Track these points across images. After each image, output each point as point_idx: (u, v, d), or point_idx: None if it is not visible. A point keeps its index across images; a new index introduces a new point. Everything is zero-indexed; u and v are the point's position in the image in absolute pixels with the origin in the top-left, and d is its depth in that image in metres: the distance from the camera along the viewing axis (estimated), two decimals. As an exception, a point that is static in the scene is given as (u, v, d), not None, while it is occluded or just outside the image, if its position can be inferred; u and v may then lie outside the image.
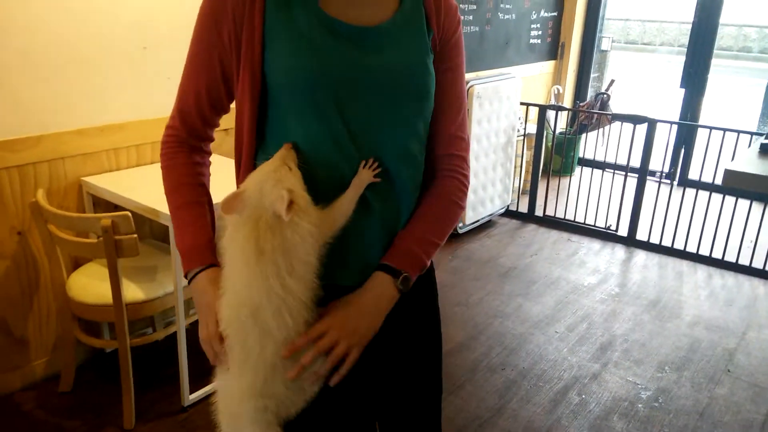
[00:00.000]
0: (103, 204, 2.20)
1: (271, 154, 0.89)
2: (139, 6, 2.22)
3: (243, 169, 0.99)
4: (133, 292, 1.98)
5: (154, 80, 2.34)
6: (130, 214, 1.81)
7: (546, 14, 4.53)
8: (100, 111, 2.21)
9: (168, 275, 2.09)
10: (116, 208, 2.06)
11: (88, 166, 2.22)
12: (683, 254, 3.47)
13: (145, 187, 2.13)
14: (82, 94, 2.15)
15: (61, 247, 1.99)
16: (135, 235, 1.83)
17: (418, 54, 0.94)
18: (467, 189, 1.03)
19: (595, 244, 3.63)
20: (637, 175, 3.57)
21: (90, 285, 2.03)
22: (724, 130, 3.30)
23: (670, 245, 3.51)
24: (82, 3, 2.06)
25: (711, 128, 3.39)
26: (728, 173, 1.81)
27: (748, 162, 1.91)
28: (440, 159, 1.01)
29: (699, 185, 3.74)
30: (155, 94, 2.35)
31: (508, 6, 4.09)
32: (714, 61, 4.46)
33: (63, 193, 2.16)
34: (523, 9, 4.26)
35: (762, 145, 2.00)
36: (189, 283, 0.96)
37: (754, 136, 3.31)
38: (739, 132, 3.27)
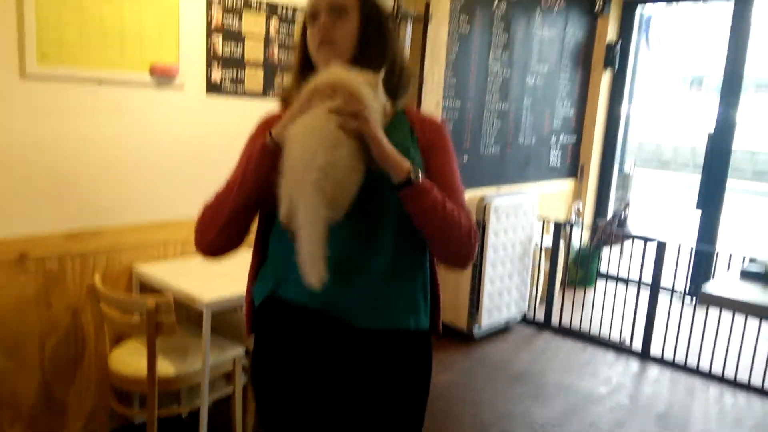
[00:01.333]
0: (148, 288, 2.52)
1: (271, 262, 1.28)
2: (194, 125, 2.66)
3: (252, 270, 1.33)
4: (165, 367, 2.24)
5: (203, 186, 2.72)
6: (171, 298, 2.11)
7: (565, 138, 4.90)
8: (156, 209, 2.59)
9: (198, 356, 2.34)
10: (160, 292, 2.37)
11: (140, 255, 2.57)
12: (696, 371, 3.51)
13: (186, 276, 2.44)
14: (141, 197, 2.54)
15: (108, 324, 2.28)
16: (174, 318, 2.12)
17: (405, 144, 1.21)
18: (476, 230, 1.20)
19: (609, 356, 3.71)
20: (649, 291, 3.71)
21: (129, 359, 2.30)
22: (731, 254, 3.46)
23: (683, 361, 3.57)
24: (148, 124, 2.51)
25: (717, 253, 3.55)
26: (704, 295, 1.97)
27: (727, 285, 2.07)
28: None
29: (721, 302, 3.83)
30: (200, 196, 2.72)
31: (528, 131, 4.48)
32: (731, 182, 4.69)
33: (116, 277, 2.50)
34: (543, 134, 4.64)
35: (743, 272, 2.16)
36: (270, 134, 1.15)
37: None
38: (744, 258, 3.42)
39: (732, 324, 3.46)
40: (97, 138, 2.36)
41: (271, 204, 1.14)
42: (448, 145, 1.29)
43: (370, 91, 1.13)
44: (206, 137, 2.70)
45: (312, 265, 1.02)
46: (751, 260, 2.36)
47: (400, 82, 1.28)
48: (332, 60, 1.22)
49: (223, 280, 2.48)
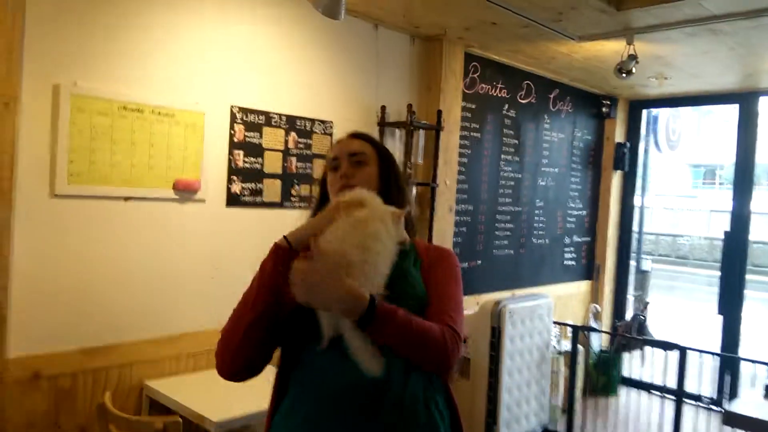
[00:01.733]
0: (158, 406, 2.46)
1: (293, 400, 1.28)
2: (213, 237, 2.70)
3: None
4: (172, 495, 2.15)
5: (220, 297, 2.73)
6: (180, 419, 2.06)
7: (579, 239, 4.91)
8: (172, 322, 2.59)
9: (205, 480, 2.25)
10: (169, 410, 2.32)
11: (152, 371, 2.53)
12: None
13: (196, 393, 2.40)
14: (159, 309, 2.55)
15: (117, 446, 2.22)
16: (182, 440, 2.05)
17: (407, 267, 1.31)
18: (455, 335, 1.21)
19: (636, 474, 3.51)
20: (675, 399, 3.57)
21: (135, 485, 2.21)
22: (754, 362, 3.35)
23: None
24: (169, 238, 2.56)
25: (740, 359, 3.44)
26: (728, 414, 1.90)
27: (751, 403, 2.00)
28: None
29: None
30: (220, 308, 2.72)
31: (541, 232, 4.50)
32: (750, 277, 4.61)
33: (126, 395, 2.45)
34: (556, 234, 4.66)
35: (766, 386, 2.09)
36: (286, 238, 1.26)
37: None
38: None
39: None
40: (120, 253, 2.41)
41: (293, 330, 1.22)
42: (451, 262, 1.38)
43: (388, 221, 1.24)
44: (224, 249, 2.74)
45: (368, 356, 1.13)
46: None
47: (409, 223, 1.39)
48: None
49: (235, 396, 2.43)
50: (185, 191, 2.56)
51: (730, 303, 4.53)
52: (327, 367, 1.21)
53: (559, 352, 4.13)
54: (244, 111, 2.76)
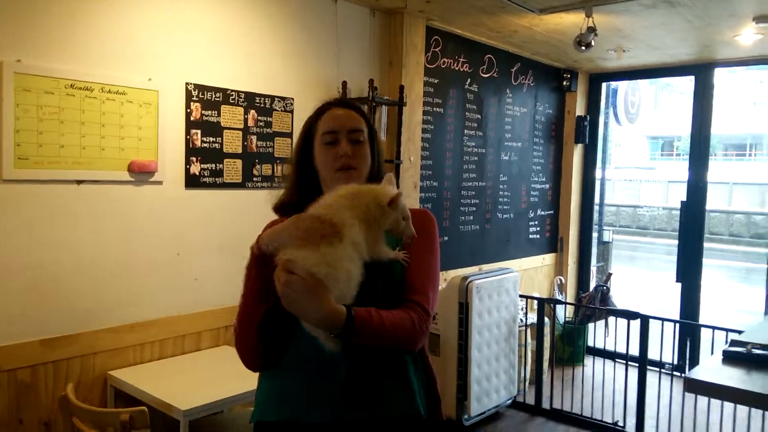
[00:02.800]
0: (123, 396, 2.40)
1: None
2: (173, 220, 2.62)
3: None
4: (140, 485, 2.10)
5: (183, 282, 2.66)
6: (146, 409, 2.00)
7: (543, 212, 4.96)
8: (134, 310, 2.51)
9: (174, 468, 2.21)
10: (135, 400, 2.26)
11: (116, 360, 2.46)
12: (692, 451, 3.43)
13: (163, 381, 2.34)
14: (120, 296, 2.46)
15: (80, 438, 2.15)
16: (149, 430, 2.00)
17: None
18: (424, 315, 1.26)
19: (602, 439, 3.61)
20: (638, 366, 3.66)
21: (101, 477, 2.15)
22: (713, 328, 3.46)
23: (677, 442, 3.48)
24: (127, 222, 2.47)
25: (701, 326, 3.54)
26: (689, 381, 1.95)
27: (711, 370, 2.05)
28: (404, 302, 1.27)
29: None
30: (183, 293, 2.66)
31: (506, 207, 4.53)
32: (708, 245, 4.74)
33: (90, 386, 2.38)
34: (521, 209, 4.69)
35: (725, 352, 2.16)
36: (257, 243, 1.21)
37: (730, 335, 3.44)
38: (727, 330, 3.42)
39: (722, 405, 3.40)
40: (75, 239, 2.31)
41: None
42: (428, 230, 1.37)
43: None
44: (186, 232, 2.66)
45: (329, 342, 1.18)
46: (733, 342, 2.34)
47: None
48: (350, 183, 1.30)
49: (203, 383, 2.39)
50: (141, 173, 2.47)
51: (689, 271, 4.66)
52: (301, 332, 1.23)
53: (526, 325, 4.19)
54: (201, 88, 2.66)
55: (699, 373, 2.01)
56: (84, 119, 2.28)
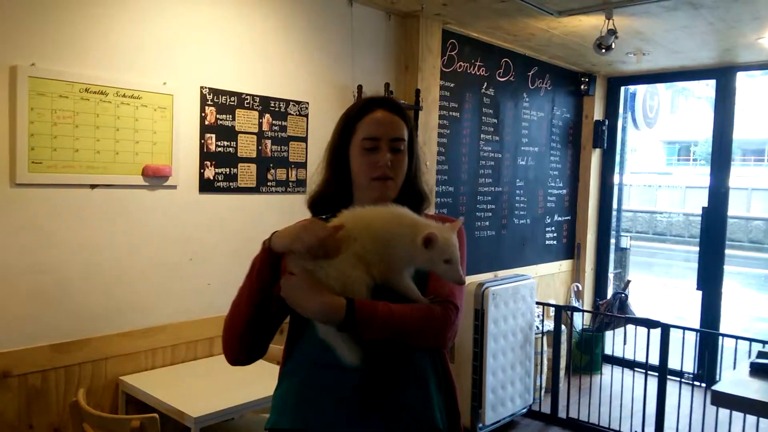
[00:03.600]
0: (135, 402, 2.38)
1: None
2: (186, 225, 2.60)
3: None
4: (150, 493, 2.07)
5: (196, 287, 2.64)
6: (157, 416, 1.98)
7: (560, 218, 4.89)
8: (146, 315, 2.49)
9: (185, 476, 2.18)
10: (147, 406, 2.23)
11: (127, 366, 2.44)
12: (714, 465, 3.34)
13: (174, 387, 2.31)
14: (132, 301, 2.44)
15: (91, 445, 2.13)
16: (160, 437, 1.97)
17: None
18: (451, 307, 1.20)
19: (621, 451, 3.53)
20: (658, 376, 3.58)
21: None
22: (736, 338, 3.37)
23: (698, 455, 3.39)
24: (140, 226, 2.45)
25: (724, 335, 3.46)
26: (715, 394, 1.89)
27: (738, 382, 1.99)
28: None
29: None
30: (196, 298, 2.64)
31: (522, 212, 4.47)
32: (728, 252, 4.64)
33: (101, 391, 2.36)
34: (537, 214, 4.63)
35: (752, 365, 2.09)
36: (270, 240, 1.22)
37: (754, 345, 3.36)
38: (750, 340, 3.34)
39: (744, 416, 3.31)
40: (87, 243, 2.30)
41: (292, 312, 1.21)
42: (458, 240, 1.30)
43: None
44: (199, 237, 2.64)
45: (345, 348, 1.15)
46: (760, 354, 2.27)
47: (425, 200, 1.39)
48: (386, 193, 1.30)
49: (215, 389, 2.36)
50: (155, 177, 2.45)
51: (710, 279, 4.56)
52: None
53: (543, 333, 4.12)
54: (215, 92, 2.64)
55: (725, 385, 1.95)
56: (98, 123, 2.27)
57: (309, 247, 1.14)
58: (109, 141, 2.30)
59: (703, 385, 4.41)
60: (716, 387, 1.93)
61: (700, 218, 4.69)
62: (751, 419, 3.34)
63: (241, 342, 1.28)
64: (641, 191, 18.19)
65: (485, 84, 4.05)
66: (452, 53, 3.76)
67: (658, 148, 22.66)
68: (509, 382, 3.70)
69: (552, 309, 4.28)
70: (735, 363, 3.46)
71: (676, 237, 15.18)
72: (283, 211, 2.92)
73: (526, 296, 3.82)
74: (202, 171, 2.62)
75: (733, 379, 2.03)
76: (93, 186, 2.28)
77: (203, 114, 2.61)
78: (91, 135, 2.25)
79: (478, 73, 3.98)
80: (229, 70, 2.70)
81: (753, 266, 12.06)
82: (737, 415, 3.40)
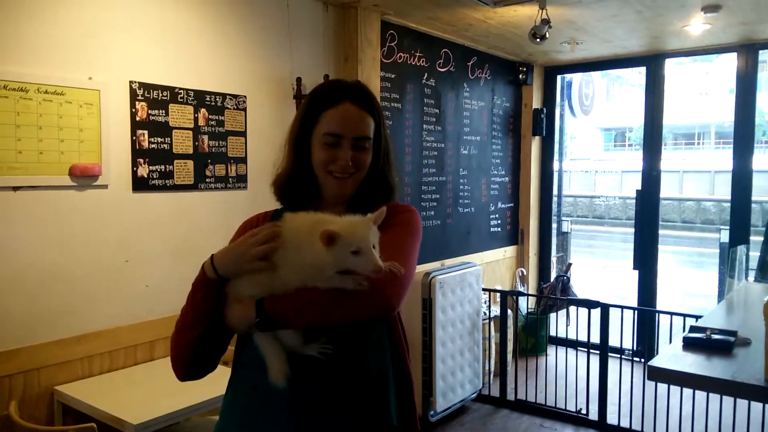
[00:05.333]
0: (72, 412, 2.27)
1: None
2: (120, 225, 2.49)
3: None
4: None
5: (133, 289, 2.54)
6: (95, 426, 1.90)
7: (503, 205, 4.98)
8: (80, 321, 2.38)
9: (128, 486, 2.10)
10: (84, 416, 2.14)
11: (62, 375, 2.33)
12: (654, 437, 3.48)
13: (113, 395, 2.23)
14: (63, 307, 2.33)
15: (25, 460, 2.02)
16: (98, 448, 1.89)
17: None
18: (387, 274, 1.09)
19: (568, 430, 3.63)
20: (599, 357, 3.70)
21: (49, 500, 2.03)
22: (671, 314, 3.52)
23: (639, 429, 3.53)
24: (69, 229, 2.34)
25: (658, 312, 3.61)
26: (652, 370, 1.94)
27: (672, 357, 2.06)
28: None
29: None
30: (134, 302, 2.54)
31: (466, 201, 4.52)
32: (662, 232, 4.85)
33: (35, 402, 2.24)
34: (481, 202, 4.69)
35: (685, 339, 2.16)
36: (211, 261, 1.17)
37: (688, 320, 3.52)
38: (684, 315, 3.49)
39: (681, 389, 3.47)
40: (15, 248, 2.18)
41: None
42: (399, 215, 1.28)
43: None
44: (135, 238, 2.54)
45: (274, 364, 1.15)
46: (692, 328, 2.35)
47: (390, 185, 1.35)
48: (344, 189, 1.28)
49: (156, 395, 2.28)
50: (84, 177, 2.34)
51: (646, 258, 4.74)
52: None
53: (490, 318, 4.19)
54: (146, 87, 2.54)
55: (660, 360, 2.01)
56: (19, 122, 2.14)
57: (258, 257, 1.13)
58: (31, 140, 2.18)
59: (643, 360, 4.60)
60: (652, 362, 1.99)
61: (620, 200, 4.86)
62: (687, 391, 3.50)
63: (191, 364, 1.23)
64: (581, 177, 18.77)
65: (426, 75, 4.06)
66: (392, 44, 3.75)
67: (596, 135, 23.43)
68: (458, 368, 3.75)
69: (498, 295, 4.36)
70: (671, 338, 3.61)
71: (613, 219, 15.76)
72: (223, 208, 2.85)
73: (472, 283, 3.87)
74: (135, 169, 2.52)
75: (668, 353, 2.10)
76: (16, 188, 2.16)
77: (134, 110, 2.50)
78: (11, 134, 2.13)
79: (418, 64, 3.98)
80: (161, 63, 2.60)
81: (686, 245, 12.67)
82: (675, 389, 3.56)
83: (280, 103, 3.12)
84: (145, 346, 2.58)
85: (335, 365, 1.17)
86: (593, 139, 23.26)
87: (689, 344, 2.18)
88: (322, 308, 1.10)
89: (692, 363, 2.02)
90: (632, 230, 4.90)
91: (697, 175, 17.55)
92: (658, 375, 1.94)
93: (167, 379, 2.40)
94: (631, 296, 5.05)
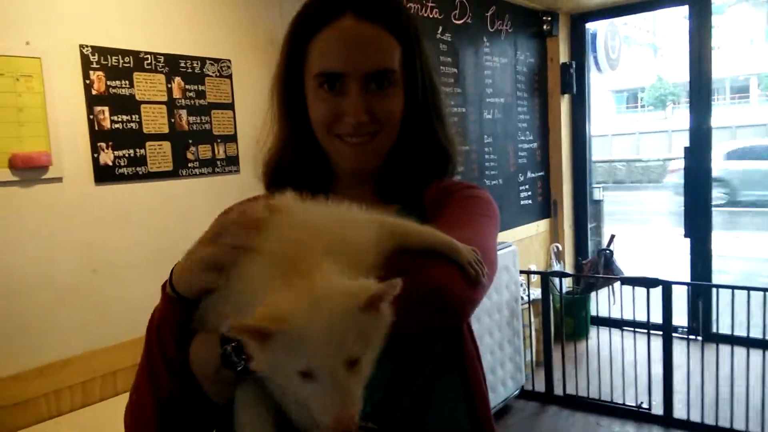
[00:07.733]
0: (35, 464, 1.82)
1: None
2: (82, 226, 2.01)
3: None
4: None
5: (106, 304, 2.07)
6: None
7: (533, 174, 4.45)
8: (41, 348, 1.92)
9: None
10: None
11: (23, 417, 1.87)
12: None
13: (85, 440, 1.77)
14: (18, 332, 1.86)
15: None
16: None
17: None
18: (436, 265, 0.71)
19: (629, 428, 3.15)
20: (661, 336, 3.19)
21: None
22: (733, 287, 3.03)
23: (714, 423, 3.04)
24: (15, 237, 1.85)
25: (718, 286, 3.12)
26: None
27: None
28: None
29: (732, 340, 3.31)
30: (108, 319, 2.07)
31: (493, 172, 4.00)
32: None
33: (-15, 457, 1.79)
34: (509, 172, 4.17)
35: None
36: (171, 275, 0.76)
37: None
38: (748, 289, 3.00)
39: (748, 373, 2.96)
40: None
41: None
42: (455, 196, 0.89)
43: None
44: (101, 241, 2.06)
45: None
46: None
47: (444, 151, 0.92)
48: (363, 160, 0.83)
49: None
50: (28, 169, 1.85)
51: (697, 224, 4.20)
52: None
53: (529, 303, 3.70)
54: (102, 52, 2.03)
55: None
56: (-68, 101, 1.65)
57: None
58: (-50, 125, 1.69)
59: (700, 338, 4.09)
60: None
61: (662, 162, 4.32)
62: (755, 375, 2.98)
63: None
64: (597, 141, 18.07)
65: (440, 28, 3.52)
66: (400, -7, 3.20)
67: (608, 98, 22.69)
68: (499, 364, 3.28)
69: (535, 276, 3.87)
70: (733, 313, 3.11)
71: (634, 184, 15.06)
72: (211, 198, 2.36)
73: (509, 266, 3.38)
74: (95, 156, 2.02)
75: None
76: (-64, 188, 1.68)
77: (88, 81, 1.99)
78: None
79: (431, 16, 3.44)
80: (119, 22, 2.09)
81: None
82: (739, 372, 3.05)
83: (272, 67, 2.60)
84: (125, 371, 2.10)
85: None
86: (605, 102, 22.54)
87: None
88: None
89: None
90: (654, 193, 4.35)
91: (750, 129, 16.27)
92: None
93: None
94: (679, 267, 4.53)
